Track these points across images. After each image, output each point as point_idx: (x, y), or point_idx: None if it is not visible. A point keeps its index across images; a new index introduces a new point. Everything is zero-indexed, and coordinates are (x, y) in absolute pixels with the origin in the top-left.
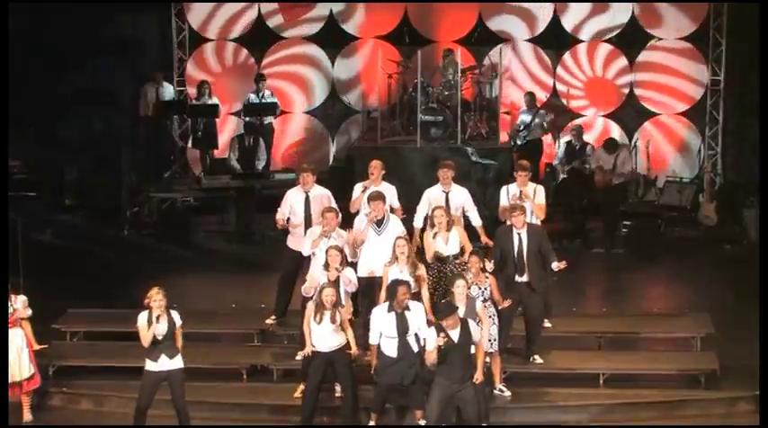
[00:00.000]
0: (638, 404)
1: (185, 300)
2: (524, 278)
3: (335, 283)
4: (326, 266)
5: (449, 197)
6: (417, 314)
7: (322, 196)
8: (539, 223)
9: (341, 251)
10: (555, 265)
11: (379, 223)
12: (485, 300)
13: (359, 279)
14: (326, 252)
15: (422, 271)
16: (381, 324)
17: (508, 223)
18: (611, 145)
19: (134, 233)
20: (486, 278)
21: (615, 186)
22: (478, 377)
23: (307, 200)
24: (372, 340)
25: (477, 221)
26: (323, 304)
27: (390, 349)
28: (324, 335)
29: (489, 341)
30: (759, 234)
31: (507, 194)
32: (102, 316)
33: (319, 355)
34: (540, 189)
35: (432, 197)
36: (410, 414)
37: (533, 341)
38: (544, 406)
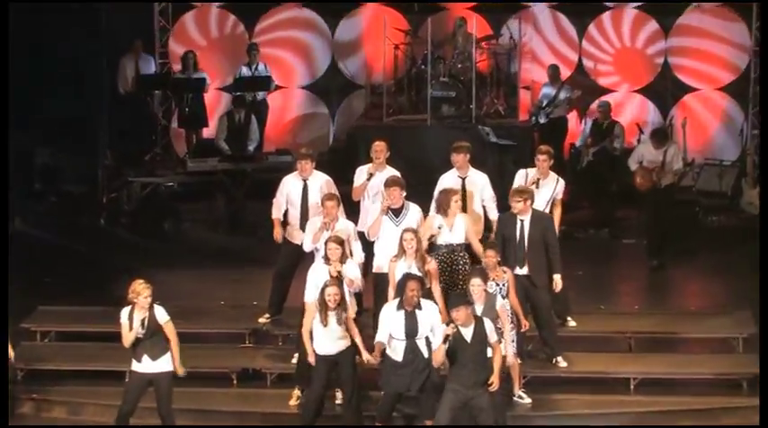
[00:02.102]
0: (672, 412)
1: (168, 297)
2: (524, 270)
3: (339, 280)
4: (326, 260)
5: (465, 183)
6: (430, 314)
7: (322, 184)
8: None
9: (341, 243)
10: (557, 279)
11: (397, 212)
12: (503, 298)
13: (375, 276)
14: (325, 244)
15: (432, 265)
16: (390, 323)
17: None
18: (659, 137)
19: (111, 222)
20: (504, 272)
21: (663, 188)
22: (494, 382)
23: (305, 188)
24: (379, 337)
25: (494, 213)
26: (326, 304)
27: (397, 352)
28: (330, 339)
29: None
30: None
31: (525, 180)
32: (76, 314)
33: (324, 359)
34: (562, 183)
35: (446, 184)
36: (418, 422)
37: (549, 342)
38: (568, 415)
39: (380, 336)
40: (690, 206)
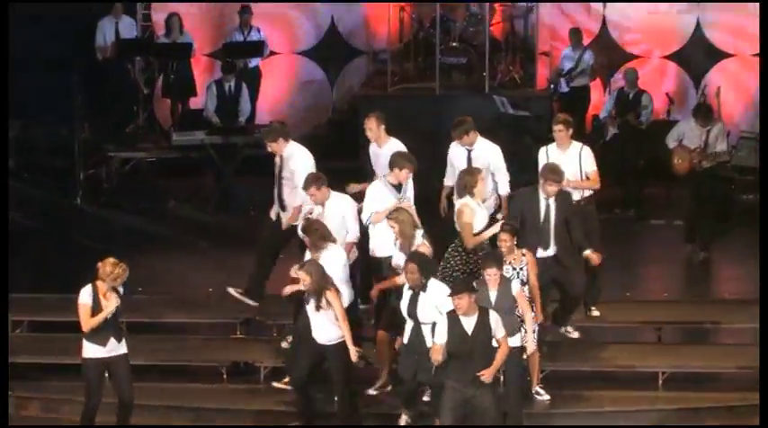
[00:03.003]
0: (704, 409)
1: (152, 284)
2: (549, 252)
3: (315, 265)
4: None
5: (471, 156)
6: (435, 297)
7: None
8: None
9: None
10: (590, 255)
11: (398, 186)
12: (523, 284)
13: (371, 260)
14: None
15: (424, 246)
16: (403, 300)
17: (540, 188)
18: (704, 113)
19: (89, 201)
20: (523, 255)
21: (705, 172)
22: (486, 374)
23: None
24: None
25: (504, 188)
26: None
27: (405, 334)
28: (315, 326)
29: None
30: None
31: (547, 157)
32: (51, 303)
33: (312, 343)
34: (587, 151)
35: (452, 156)
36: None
37: (572, 312)
38: (590, 412)
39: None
40: (724, 183)
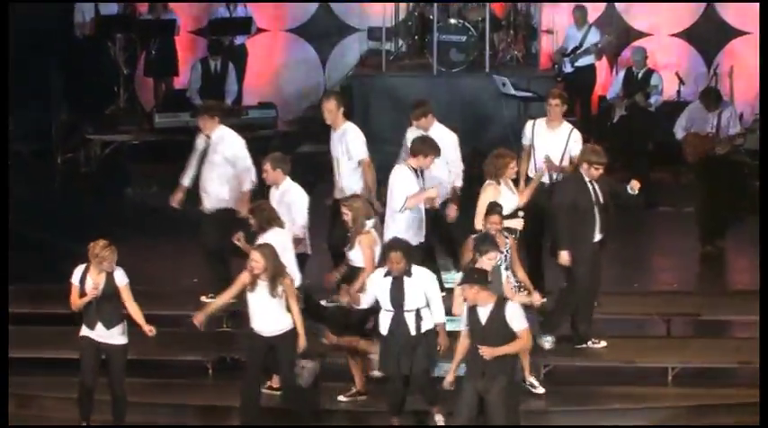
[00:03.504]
0: (716, 406)
1: (133, 273)
2: (599, 236)
3: (269, 247)
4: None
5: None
6: (421, 282)
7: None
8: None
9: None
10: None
11: (418, 173)
12: (506, 269)
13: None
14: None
15: (368, 235)
16: (377, 291)
17: (584, 172)
18: (712, 97)
19: (67, 185)
20: (506, 237)
21: (716, 158)
22: (485, 351)
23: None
24: (366, 295)
25: (458, 180)
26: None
27: (384, 325)
28: (260, 314)
29: None
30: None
31: (532, 132)
32: (28, 294)
33: (259, 338)
34: (577, 135)
35: (407, 139)
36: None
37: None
38: (597, 410)
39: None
40: (737, 167)
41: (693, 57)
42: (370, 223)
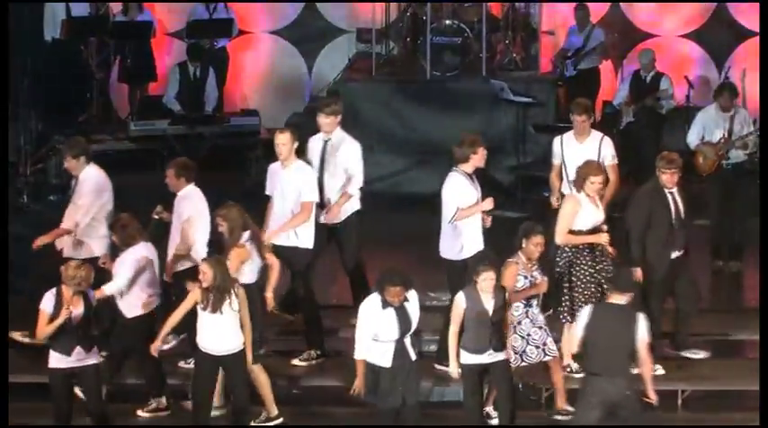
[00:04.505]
0: None
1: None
2: (679, 252)
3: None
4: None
5: (327, 147)
6: (416, 303)
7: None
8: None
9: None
10: None
11: (473, 178)
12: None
13: (461, 262)
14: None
15: (242, 249)
16: (376, 324)
17: (661, 181)
18: (727, 94)
19: (36, 199)
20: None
21: (733, 169)
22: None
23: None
24: (360, 353)
25: (354, 188)
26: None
27: (385, 357)
28: (213, 334)
29: (539, 346)
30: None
31: (561, 148)
32: None
33: (209, 358)
34: (608, 142)
35: (310, 148)
36: None
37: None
38: None
39: (361, 350)
40: (749, 177)
41: (703, 60)
42: (246, 235)
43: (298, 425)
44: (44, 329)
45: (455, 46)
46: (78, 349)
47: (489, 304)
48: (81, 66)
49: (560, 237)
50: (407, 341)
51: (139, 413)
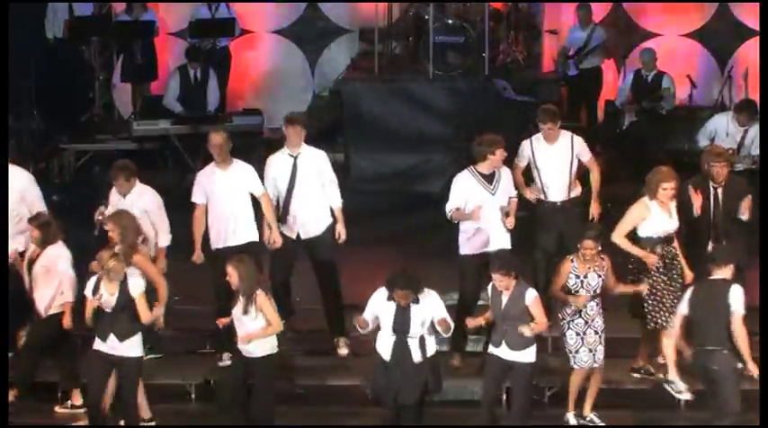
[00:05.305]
0: None
1: None
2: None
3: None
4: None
5: (296, 164)
6: (429, 306)
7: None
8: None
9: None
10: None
11: (489, 177)
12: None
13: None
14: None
15: (143, 255)
16: (378, 311)
17: (710, 175)
18: (748, 111)
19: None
20: (603, 259)
21: (738, 176)
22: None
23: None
24: (365, 314)
25: (337, 201)
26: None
27: (385, 350)
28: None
29: (591, 350)
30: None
31: (532, 151)
32: None
33: (238, 355)
34: (579, 139)
35: (273, 164)
36: None
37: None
38: None
39: (367, 313)
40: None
41: (705, 59)
42: (139, 239)
43: (298, 425)
44: (88, 314)
45: (458, 45)
46: (112, 337)
47: (504, 299)
48: (84, 66)
49: (617, 237)
50: (412, 341)
51: (57, 409)
